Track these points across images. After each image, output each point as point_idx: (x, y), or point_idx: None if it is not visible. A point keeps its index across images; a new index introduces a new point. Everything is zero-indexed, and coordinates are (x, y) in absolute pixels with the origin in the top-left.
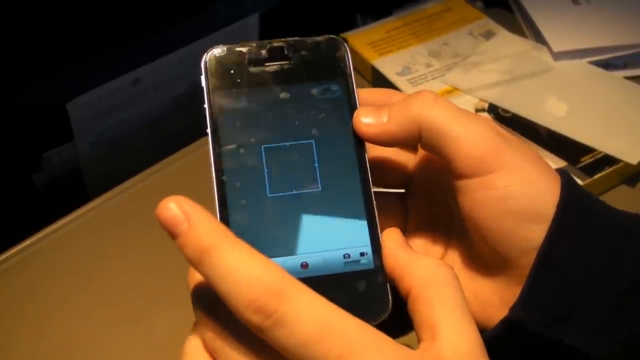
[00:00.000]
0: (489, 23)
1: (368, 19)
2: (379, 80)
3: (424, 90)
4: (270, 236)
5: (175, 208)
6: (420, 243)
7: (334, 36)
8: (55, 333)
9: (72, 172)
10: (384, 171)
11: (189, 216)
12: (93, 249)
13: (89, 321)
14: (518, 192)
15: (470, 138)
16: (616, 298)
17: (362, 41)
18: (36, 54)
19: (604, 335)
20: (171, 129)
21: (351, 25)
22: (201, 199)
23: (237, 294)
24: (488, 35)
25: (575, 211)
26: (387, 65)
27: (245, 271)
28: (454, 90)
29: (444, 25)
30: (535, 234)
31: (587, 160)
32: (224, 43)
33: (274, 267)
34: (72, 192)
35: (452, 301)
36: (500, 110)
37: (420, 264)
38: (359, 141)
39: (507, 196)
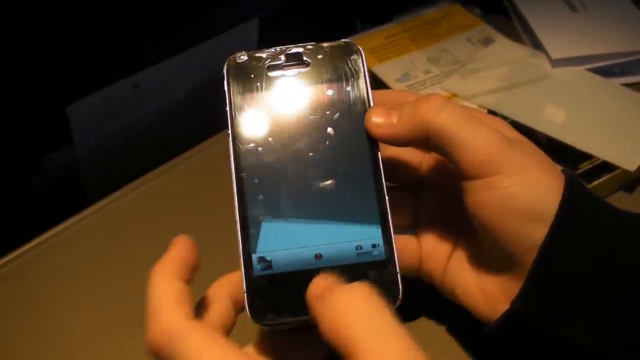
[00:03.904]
0: (487, 30)
1: (367, 25)
2: (379, 87)
3: (433, 94)
4: (286, 228)
5: None
6: (430, 238)
7: (349, 41)
8: (54, 338)
9: (71, 176)
10: (398, 168)
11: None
12: (92, 254)
13: (88, 326)
14: (521, 193)
15: (475, 142)
16: (617, 295)
17: (361, 47)
18: (36, 57)
19: (604, 332)
20: (170, 133)
21: (350, 31)
22: (200, 202)
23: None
24: (486, 42)
25: (577, 210)
26: (386, 72)
27: (159, 304)
28: (452, 96)
29: (443, 31)
30: (538, 232)
31: (585, 167)
32: (223, 48)
33: (179, 311)
34: (70, 195)
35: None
36: (498, 116)
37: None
38: (372, 139)
39: (510, 196)
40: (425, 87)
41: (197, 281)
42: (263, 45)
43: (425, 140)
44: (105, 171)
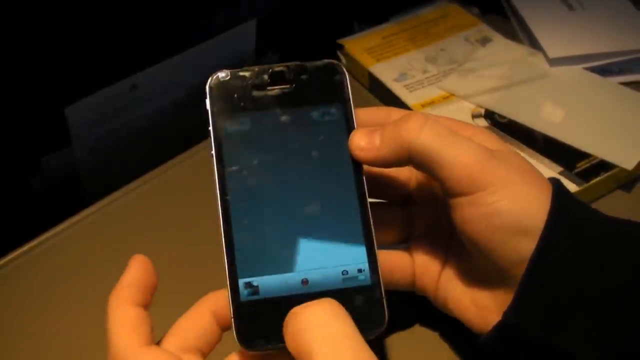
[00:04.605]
0: (485, 29)
1: (365, 25)
2: (376, 87)
3: (413, 114)
4: (272, 254)
5: None
6: (422, 253)
7: (333, 61)
8: (53, 339)
9: (70, 177)
10: (388, 185)
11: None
12: (91, 255)
13: (88, 326)
14: (506, 208)
15: (457, 160)
16: (606, 304)
17: (359, 47)
18: (34, 58)
19: (595, 340)
20: (169, 134)
21: (348, 31)
22: (199, 204)
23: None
24: (484, 41)
25: (565, 221)
26: (384, 71)
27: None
28: (450, 96)
29: (440, 31)
30: (526, 246)
31: (583, 165)
32: (221, 49)
33: (133, 338)
34: (69, 196)
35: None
36: (496, 116)
37: None
38: (356, 162)
39: (496, 212)
40: (423, 87)
41: (196, 281)
42: (260, 44)
43: (409, 160)
44: (105, 172)
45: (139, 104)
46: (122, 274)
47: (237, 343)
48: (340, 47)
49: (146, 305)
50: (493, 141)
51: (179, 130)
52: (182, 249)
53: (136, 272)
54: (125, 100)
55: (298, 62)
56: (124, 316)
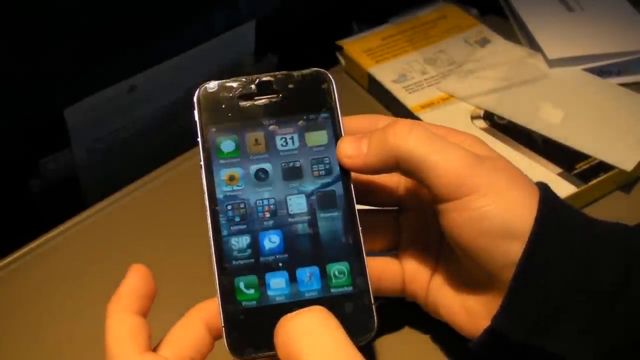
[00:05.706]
0: (484, 30)
1: (364, 27)
2: (375, 88)
3: (400, 120)
4: (261, 262)
5: None
6: (412, 259)
7: (319, 69)
8: (53, 340)
9: (69, 179)
10: (377, 191)
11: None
12: (90, 256)
13: (86, 328)
14: (493, 212)
15: (445, 165)
16: (595, 306)
17: (358, 48)
18: (33, 61)
19: (584, 343)
20: (168, 136)
21: (347, 32)
22: (197, 205)
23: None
24: (483, 42)
25: (553, 225)
26: (383, 73)
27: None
28: (449, 97)
29: (439, 32)
30: (513, 249)
31: (582, 166)
32: (220, 50)
33: (132, 346)
34: (68, 198)
35: None
36: (495, 117)
37: None
38: (344, 170)
39: (483, 216)
40: (422, 88)
41: (197, 282)
42: (259, 46)
43: (396, 167)
44: (103, 173)
45: (138, 105)
46: (121, 275)
47: (228, 351)
48: (340, 49)
49: (144, 313)
50: (481, 147)
51: (179, 132)
52: (183, 249)
53: (135, 281)
54: (124, 102)
55: (285, 72)
56: (123, 324)
